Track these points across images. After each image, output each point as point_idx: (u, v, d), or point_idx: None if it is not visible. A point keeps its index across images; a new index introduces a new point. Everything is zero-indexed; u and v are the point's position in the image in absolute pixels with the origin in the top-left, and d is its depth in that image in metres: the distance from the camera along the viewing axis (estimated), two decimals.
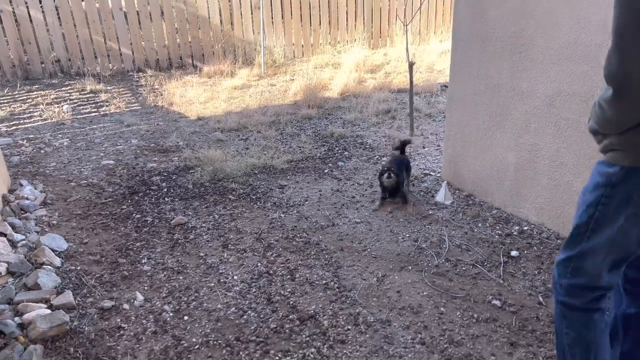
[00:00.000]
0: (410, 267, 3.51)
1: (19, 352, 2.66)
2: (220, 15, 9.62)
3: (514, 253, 3.57)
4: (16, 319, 2.91)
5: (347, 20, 10.69)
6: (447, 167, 4.82)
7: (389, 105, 7.19)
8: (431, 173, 5.04)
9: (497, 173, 4.18)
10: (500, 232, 3.89)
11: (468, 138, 4.45)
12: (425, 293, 3.23)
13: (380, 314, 3.05)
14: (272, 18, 10.04)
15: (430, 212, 4.26)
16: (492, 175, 4.25)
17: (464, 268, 3.47)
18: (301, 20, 10.24)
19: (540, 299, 3.09)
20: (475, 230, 3.95)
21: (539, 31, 3.56)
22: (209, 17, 9.58)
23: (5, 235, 3.68)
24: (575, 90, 3.40)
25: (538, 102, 3.69)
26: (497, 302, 3.09)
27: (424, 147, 5.73)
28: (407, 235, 3.93)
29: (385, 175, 4.23)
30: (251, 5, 9.75)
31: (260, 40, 9.50)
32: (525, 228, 3.90)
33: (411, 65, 5.98)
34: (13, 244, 3.63)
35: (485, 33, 4.01)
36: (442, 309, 3.07)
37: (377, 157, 5.49)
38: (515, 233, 3.85)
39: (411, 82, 6.04)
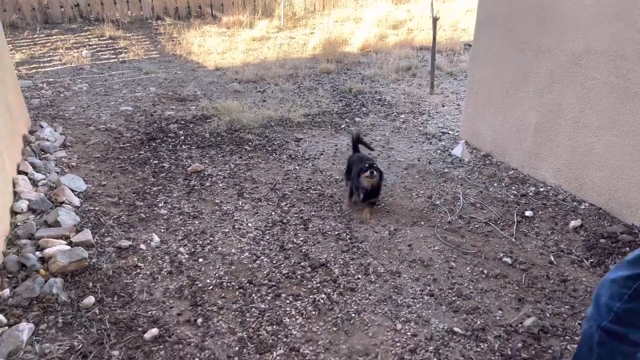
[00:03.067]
0: (422, 223, 3.53)
1: (40, 284, 2.77)
2: None
3: (528, 213, 3.56)
4: (37, 253, 3.01)
5: None
6: (466, 126, 4.76)
7: (410, 62, 7.05)
8: (449, 132, 4.98)
9: (517, 133, 4.12)
10: (515, 192, 3.87)
11: (489, 97, 4.36)
12: (436, 248, 3.25)
13: (390, 265, 3.09)
14: None
15: (446, 171, 4.24)
16: (511, 135, 4.19)
17: (476, 225, 3.48)
18: None
19: (552, 259, 3.10)
20: (491, 189, 3.93)
21: None
22: None
23: (26, 173, 3.76)
24: (604, 49, 3.29)
25: (564, 60, 3.58)
26: (508, 260, 3.10)
27: (443, 106, 5.64)
28: (422, 192, 3.93)
29: (368, 172, 3.45)
30: None
31: None
32: (542, 189, 3.87)
33: (435, 20, 5.81)
34: (34, 182, 3.71)
35: None
36: (452, 263, 3.10)
37: (395, 114, 5.43)
38: (530, 194, 3.82)
39: (434, 38, 5.89)
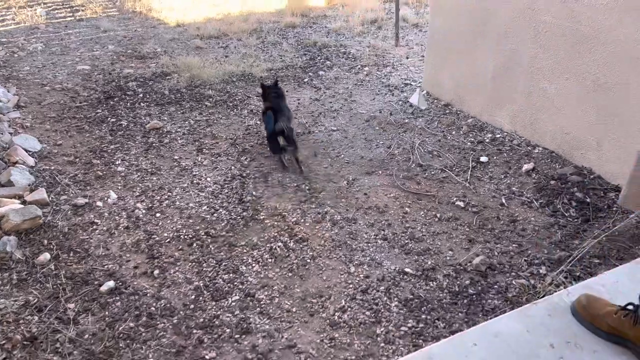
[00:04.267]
0: (380, 172, 3.57)
1: None
2: None
3: (483, 159, 3.63)
4: None
5: None
6: (427, 76, 4.76)
7: (376, 15, 6.95)
8: (412, 83, 4.99)
9: (476, 81, 4.14)
10: (472, 139, 3.92)
11: (449, 46, 4.35)
12: (392, 195, 3.31)
13: (347, 213, 3.14)
14: None
15: (407, 121, 4.26)
16: (470, 83, 4.21)
17: (432, 172, 3.54)
18: None
19: (503, 201, 3.19)
20: (449, 137, 3.97)
21: None
22: None
23: None
24: None
25: (519, 5, 3.57)
26: (461, 203, 3.18)
27: (407, 58, 5.62)
28: (381, 143, 3.96)
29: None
30: None
31: None
32: (498, 136, 3.93)
33: None
34: None
35: None
36: (406, 209, 3.16)
37: (359, 67, 5.39)
38: (487, 140, 3.88)
39: None
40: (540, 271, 2.62)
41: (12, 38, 6.02)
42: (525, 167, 3.46)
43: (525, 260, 2.70)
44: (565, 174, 3.31)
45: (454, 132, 4.04)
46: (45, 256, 2.75)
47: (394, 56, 5.65)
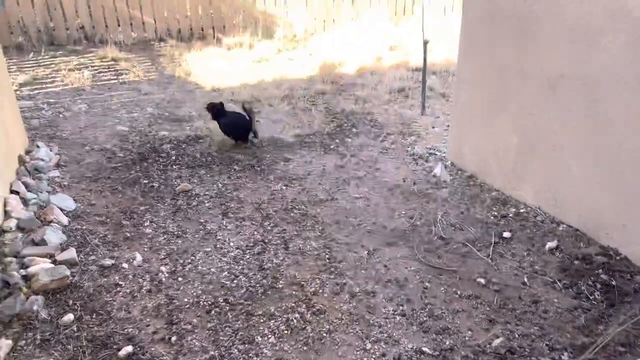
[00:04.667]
0: (401, 243, 3.58)
1: (21, 302, 2.85)
2: None
3: (506, 234, 3.60)
4: (21, 271, 3.09)
5: None
6: (452, 147, 4.83)
7: (404, 84, 7.15)
8: (436, 152, 5.05)
9: (499, 154, 4.18)
10: (496, 213, 3.91)
11: (473, 118, 4.44)
12: (413, 268, 3.30)
13: (366, 285, 3.14)
14: None
15: (430, 192, 4.30)
16: (494, 156, 4.24)
17: (454, 246, 3.52)
18: None
19: (525, 280, 3.13)
20: (472, 210, 3.97)
21: (546, 13, 3.51)
22: None
23: (18, 193, 3.87)
24: (578, 74, 3.36)
25: (541, 85, 3.65)
26: (482, 281, 3.14)
27: (433, 127, 5.72)
28: (404, 213, 3.99)
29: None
30: None
31: (281, 13, 9.49)
32: (522, 210, 3.91)
33: (425, 43, 5.93)
34: (25, 201, 3.82)
35: (494, 12, 3.97)
36: (427, 284, 3.14)
37: (384, 134, 5.51)
38: (510, 215, 3.87)
39: (424, 60, 6.00)
40: (563, 357, 2.54)
41: (59, 99, 6.43)
42: (549, 245, 3.42)
43: (546, 345, 2.63)
44: (590, 254, 3.25)
45: (477, 205, 4.05)
46: (69, 317, 2.83)
47: (420, 125, 5.77)
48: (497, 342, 2.63)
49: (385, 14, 10.59)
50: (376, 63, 8.23)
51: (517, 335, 2.71)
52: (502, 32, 3.91)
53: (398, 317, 2.87)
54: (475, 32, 4.22)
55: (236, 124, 5.19)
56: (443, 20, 11.07)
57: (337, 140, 5.36)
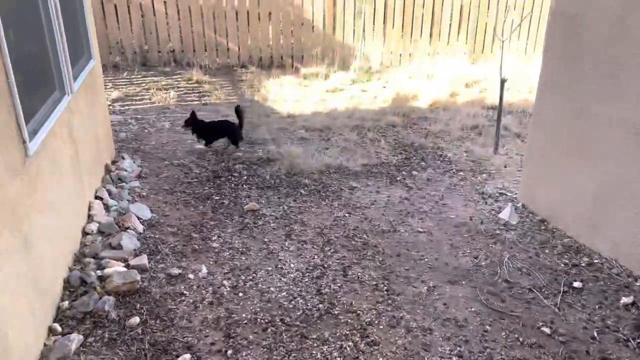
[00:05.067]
0: (464, 282, 3.49)
1: (95, 300, 3.05)
2: (323, 19, 9.96)
3: (576, 284, 3.42)
4: (98, 272, 3.32)
5: (449, 33, 10.57)
6: (524, 189, 4.68)
7: (477, 121, 7.04)
8: (507, 193, 4.91)
9: (575, 201, 4.00)
10: (567, 261, 3.73)
11: (548, 161, 4.29)
12: (473, 309, 3.20)
13: (423, 321, 3.08)
14: (374, 25, 10.20)
15: (498, 232, 4.18)
16: (568, 202, 4.07)
17: (519, 291, 3.39)
18: (402, 30, 10.30)
19: (595, 334, 2.95)
20: (541, 256, 3.81)
21: (634, 58, 3.38)
22: (313, 21, 9.95)
23: (102, 199, 4.18)
24: None
25: (625, 130, 3.49)
26: (547, 330, 2.99)
27: (505, 167, 5.57)
28: (468, 252, 3.89)
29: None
30: (354, 12, 9.99)
31: (358, 46, 9.70)
32: (596, 261, 3.70)
33: (502, 81, 5.84)
34: (107, 207, 4.11)
35: (577, 54, 3.86)
36: (487, 327, 3.04)
37: (453, 170, 5.44)
38: (583, 264, 3.67)
39: (501, 98, 5.90)
40: None
41: (145, 115, 6.90)
42: (624, 300, 3.20)
43: None
44: None
45: (547, 251, 3.87)
46: (135, 320, 2.99)
47: (492, 164, 5.64)
48: None
49: (462, 52, 10.54)
50: (450, 99, 8.17)
51: None
52: (585, 75, 3.79)
53: (454, 358, 2.79)
54: (557, 73, 4.12)
55: (210, 130, 5.89)
56: (523, 59, 10.85)
57: (404, 173, 5.35)
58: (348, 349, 2.84)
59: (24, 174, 2.63)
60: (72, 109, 3.73)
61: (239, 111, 5.89)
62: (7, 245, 2.35)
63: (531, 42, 10.90)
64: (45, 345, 2.73)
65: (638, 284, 3.40)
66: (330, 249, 3.86)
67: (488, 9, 10.61)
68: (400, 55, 10.51)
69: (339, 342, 2.88)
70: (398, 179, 5.20)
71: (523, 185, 4.70)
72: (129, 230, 3.83)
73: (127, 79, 8.61)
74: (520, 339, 2.92)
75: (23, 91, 2.65)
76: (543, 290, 3.39)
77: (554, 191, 4.23)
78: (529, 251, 3.88)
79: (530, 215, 4.45)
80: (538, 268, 3.64)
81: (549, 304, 3.24)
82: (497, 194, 4.90)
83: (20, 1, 2.95)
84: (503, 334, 2.98)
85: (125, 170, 4.84)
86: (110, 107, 7.01)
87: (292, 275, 3.52)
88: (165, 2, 9.29)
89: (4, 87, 2.47)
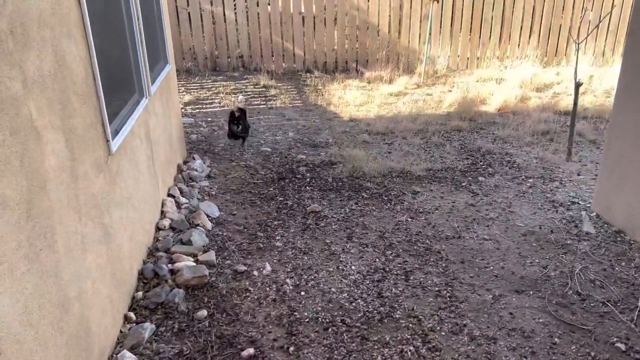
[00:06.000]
0: (531, 292, 3.38)
1: (166, 292, 3.22)
2: (389, 23, 9.93)
3: None
4: (169, 265, 3.50)
5: (520, 36, 10.21)
6: (599, 198, 4.44)
7: (549, 127, 6.76)
8: (580, 202, 4.68)
9: None
10: None
11: (626, 169, 4.06)
12: (541, 320, 3.09)
13: (487, 330, 3.01)
14: (441, 29, 10.05)
15: (569, 242, 4.00)
16: None
17: (592, 304, 3.23)
18: (470, 33, 10.07)
19: None
20: (617, 268, 3.61)
21: None
22: (378, 25, 9.95)
23: (174, 197, 4.40)
24: None
25: None
26: (622, 346, 2.83)
27: (578, 174, 5.32)
28: (537, 261, 3.75)
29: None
30: (420, 15, 9.89)
31: (424, 49, 9.59)
32: None
33: (577, 85, 5.58)
34: (178, 205, 4.33)
35: None
36: (556, 339, 2.92)
37: (522, 177, 5.25)
38: None
39: (575, 102, 5.64)
40: None
41: (215, 118, 7.18)
42: None
43: None
44: None
45: (623, 264, 3.66)
46: (203, 313, 3.12)
47: (564, 171, 5.40)
48: None
49: (533, 55, 10.15)
50: (520, 103, 7.89)
51: None
52: None
53: None
54: (636, 75, 3.89)
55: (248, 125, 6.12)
56: (600, 63, 10.30)
57: (469, 178, 5.23)
58: (409, 353, 2.82)
59: (106, 171, 2.83)
60: (149, 110, 3.96)
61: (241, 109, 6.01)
62: (91, 235, 2.54)
63: (609, 45, 10.32)
64: (121, 331, 2.91)
65: None
66: (391, 253, 3.85)
67: (563, 9, 10.16)
68: (468, 58, 10.28)
69: (399, 346, 2.87)
70: (463, 184, 5.09)
71: (598, 194, 4.46)
72: (198, 227, 4.01)
73: (198, 83, 8.99)
74: (592, 354, 2.79)
75: (107, 93, 2.85)
76: (618, 304, 3.21)
77: (632, 202, 3.99)
78: (603, 263, 3.68)
79: (605, 225, 4.22)
80: (613, 281, 3.45)
81: (624, 319, 3.06)
82: (569, 203, 4.68)
83: (106, 9, 3.17)
84: (573, 347, 2.85)
85: (196, 170, 5.06)
86: (183, 110, 7.35)
87: (353, 277, 3.54)
88: (235, 9, 9.63)
89: (92, 89, 2.67)
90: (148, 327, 2.93)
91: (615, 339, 2.89)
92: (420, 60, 9.79)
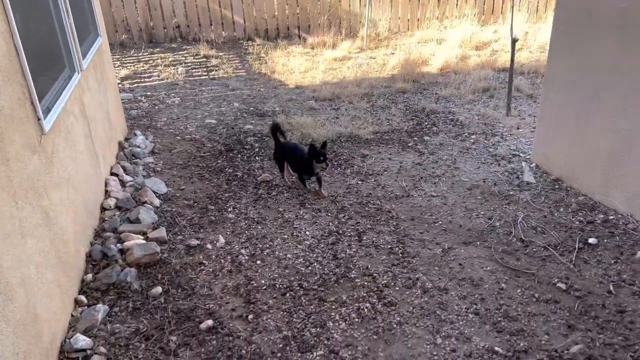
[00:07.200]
0: (478, 243, 3.52)
1: (117, 272, 3.13)
2: None
3: (591, 240, 3.42)
4: (118, 245, 3.40)
5: None
6: (537, 149, 4.64)
7: (489, 84, 6.95)
8: (520, 154, 4.88)
9: (589, 158, 3.97)
10: (582, 218, 3.72)
11: (562, 120, 4.25)
12: (488, 268, 3.23)
13: (439, 282, 3.13)
14: None
15: (511, 193, 4.17)
16: (583, 160, 4.03)
17: (534, 249, 3.40)
18: None
19: (611, 288, 2.97)
20: (556, 214, 3.81)
21: None
22: None
23: (117, 175, 4.24)
24: None
25: (638, 84, 3.43)
26: (562, 285, 3.01)
27: (518, 128, 5.52)
28: (482, 213, 3.90)
29: (323, 164, 4.05)
30: None
31: (365, 12, 9.55)
32: (611, 217, 3.69)
33: (513, 41, 5.73)
34: (123, 183, 4.18)
35: (591, 8, 3.77)
36: (503, 285, 3.07)
37: (466, 134, 5.40)
38: (598, 221, 3.66)
39: (512, 59, 5.80)
40: None
41: (155, 92, 6.92)
42: None
43: (631, 356, 2.49)
44: None
45: (561, 209, 3.87)
46: (158, 289, 3.07)
47: (504, 126, 5.59)
48: (575, 348, 2.53)
49: (471, 14, 10.32)
50: (460, 63, 8.05)
51: (598, 344, 2.58)
52: (597, 30, 3.71)
53: (471, 316, 2.83)
54: (569, 30, 4.03)
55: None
56: (535, 19, 10.60)
57: (415, 139, 5.33)
58: (366, 310, 2.90)
59: (40, 151, 2.68)
60: (82, 86, 3.76)
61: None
62: (30, 219, 2.41)
63: (542, 1, 10.62)
64: (72, 315, 2.82)
65: None
66: (344, 216, 3.89)
67: None
68: (409, 20, 10.33)
69: (356, 304, 2.94)
70: (410, 144, 5.18)
71: (536, 146, 4.66)
72: (145, 205, 3.90)
73: (134, 56, 8.61)
74: (536, 295, 2.95)
75: (35, 69, 2.67)
76: (558, 247, 3.40)
77: (569, 150, 4.20)
78: (543, 210, 3.88)
79: (544, 175, 4.43)
80: (553, 226, 3.65)
81: (564, 261, 3.25)
82: (510, 156, 4.87)
83: None
84: (519, 290, 3.01)
85: (139, 147, 4.89)
86: (120, 86, 7.04)
87: (308, 242, 3.57)
88: None
89: (16, 65, 2.49)
90: (101, 309, 2.86)
91: (556, 280, 3.07)
92: (362, 24, 9.76)
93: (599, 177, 3.89)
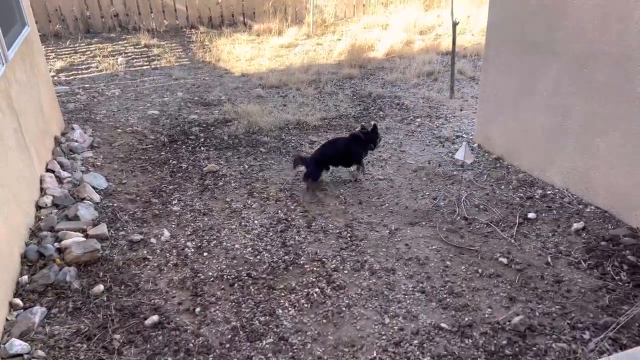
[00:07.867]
0: (424, 223, 3.58)
1: (55, 272, 2.99)
2: None
3: (531, 215, 3.55)
4: (55, 244, 3.24)
5: None
6: (479, 130, 4.76)
7: (433, 67, 7.06)
8: (463, 135, 4.99)
9: (527, 136, 4.10)
10: (522, 195, 3.86)
11: (501, 100, 4.37)
12: (434, 247, 3.30)
13: (386, 263, 3.16)
14: None
15: (455, 173, 4.26)
16: (521, 138, 4.17)
17: (477, 226, 3.50)
18: None
19: (549, 260, 3.09)
20: (497, 192, 3.93)
21: None
22: None
23: (53, 172, 4.04)
24: (610, 51, 3.26)
25: (571, 64, 3.56)
26: (504, 260, 3.12)
27: (461, 110, 5.65)
28: (427, 194, 3.97)
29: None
30: None
31: None
32: (549, 192, 3.84)
33: (454, 25, 5.83)
34: (60, 180, 3.99)
35: None
36: (448, 262, 3.14)
37: (411, 117, 5.47)
38: (537, 196, 3.80)
39: (454, 42, 5.91)
40: (584, 336, 2.51)
41: (93, 84, 6.63)
42: (575, 226, 3.35)
43: (568, 324, 2.60)
44: (618, 235, 3.18)
45: (503, 187, 3.99)
46: (100, 288, 2.96)
47: (448, 108, 5.70)
48: (516, 319, 2.62)
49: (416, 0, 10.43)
50: (405, 47, 8.13)
51: (537, 314, 2.69)
52: (531, 10, 3.82)
53: (417, 294, 2.88)
54: (504, 10, 4.13)
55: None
56: (478, 3, 10.83)
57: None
58: (315, 295, 2.90)
59: None
60: (9, 78, 3.54)
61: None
62: None
63: None
64: (7, 320, 2.68)
65: (588, 209, 3.55)
66: (293, 203, 3.87)
67: None
68: (354, 5, 10.34)
69: (305, 290, 2.94)
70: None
71: (478, 126, 4.78)
72: (85, 201, 3.74)
73: (70, 47, 8.21)
74: (479, 271, 3.04)
75: None
76: (500, 224, 3.51)
77: (507, 130, 4.33)
78: (486, 188, 3.99)
79: (486, 154, 4.55)
80: (494, 204, 3.76)
81: (505, 236, 3.36)
82: (454, 137, 4.98)
83: None
84: (463, 267, 3.09)
85: (76, 141, 4.68)
86: (55, 78, 6.71)
87: (256, 231, 3.53)
88: None
89: None
90: (38, 311, 2.73)
91: (498, 255, 3.17)
92: (308, 10, 9.68)
93: (536, 154, 4.03)
